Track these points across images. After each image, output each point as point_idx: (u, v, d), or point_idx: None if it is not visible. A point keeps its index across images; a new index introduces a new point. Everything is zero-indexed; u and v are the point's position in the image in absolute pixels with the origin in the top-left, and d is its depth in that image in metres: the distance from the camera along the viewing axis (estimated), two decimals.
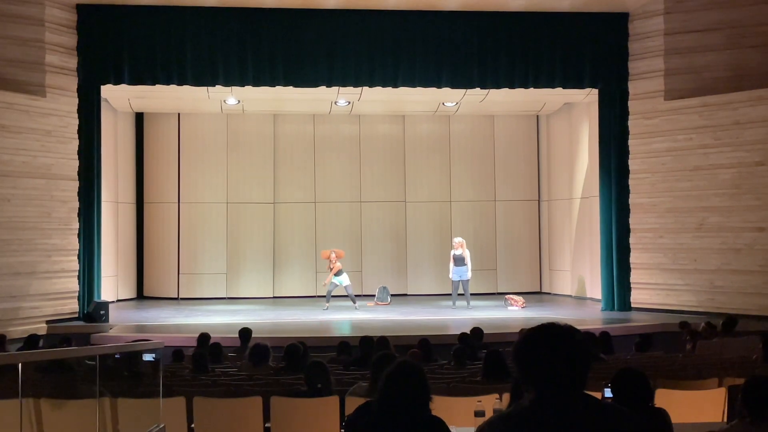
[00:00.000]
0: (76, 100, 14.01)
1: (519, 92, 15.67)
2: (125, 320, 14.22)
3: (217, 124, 18.67)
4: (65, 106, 13.84)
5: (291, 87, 14.83)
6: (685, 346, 10.24)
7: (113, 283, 17.12)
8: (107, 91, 14.99)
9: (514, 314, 14.96)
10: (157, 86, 14.66)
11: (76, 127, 13.97)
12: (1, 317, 12.48)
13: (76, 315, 13.92)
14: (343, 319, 14.55)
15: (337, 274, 15.74)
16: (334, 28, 14.58)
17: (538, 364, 2.26)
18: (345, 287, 15.79)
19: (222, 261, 18.57)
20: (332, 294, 15.90)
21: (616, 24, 15.02)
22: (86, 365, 6.01)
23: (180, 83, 14.45)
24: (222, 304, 17.26)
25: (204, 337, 9.80)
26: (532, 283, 19.35)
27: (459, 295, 15.92)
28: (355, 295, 16.37)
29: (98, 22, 14.09)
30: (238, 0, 14.21)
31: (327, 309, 15.51)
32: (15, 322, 12.66)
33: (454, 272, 15.86)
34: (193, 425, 6.10)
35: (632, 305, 14.89)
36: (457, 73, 14.86)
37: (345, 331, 12.90)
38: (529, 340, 2.32)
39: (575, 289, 17.57)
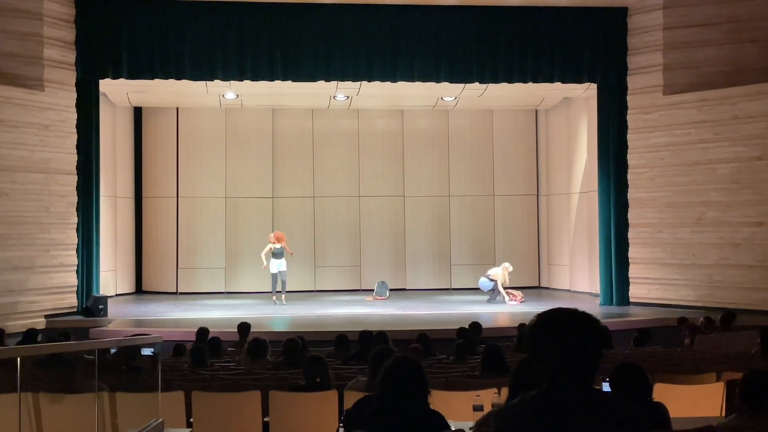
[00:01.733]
0: (75, 95, 13.99)
1: (518, 87, 15.65)
2: (124, 315, 14.23)
3: (216, 119, 18.66)
4: (63, 100, 13.82)
5: (289, 81, 14.80)
6: (683, 341, 10.25)
7: (112, 278, 17.12)
8: (106, 85, 14.99)
9: (513, 309, 14.97)
10: (156, 80, 14.65)
11: (75, 122, 13.96)
12: None
13: (75, 309, 13.91)
14: (343, 314, 14.55)
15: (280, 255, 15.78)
16: (333, 22, 14.55)
17: (551, 349, 2.25)
18: (281, 272, 15.87)
19: (221, 255, 18.58)
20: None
21: (615, 18, 15.01)
22: (85, 359, 6.01)
23: (178, 77, 14.43)
24: (221, 299, 17.27)
25: (203, 332, 9.81)
26: (531, 278, 19.35)
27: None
28: (354, 290, 16.42)
29: (97, 16, 14.06)
30: None
31: (285, 304, 15.62)
32: (13, 316, 12.66)
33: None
34: (191, 419, 6.11)
35: (631, 300, 14.91)
36: (455, 68, 14.84)
37: (346, 326, 12.87)
38: (543, 322, 2.31)
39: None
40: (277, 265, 15.89)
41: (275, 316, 14.44)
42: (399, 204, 19.24)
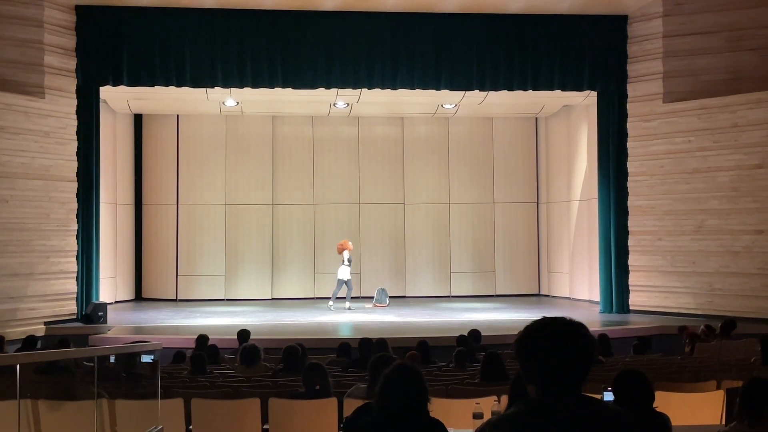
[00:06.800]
0: (75, 102, 14.01)
1: (518, 94, 15.67)
2: (123, 322, 14.21)
3: (216, 126, 18.67)
4: (64, 107, 13.84)
5: (290, 88, 14.82)
6: (683, 349, 10.23)
7: (111, 285, 17.11)
8: (106, 92, 15.00)
9: (513, 316, 14.87)
10: (156, 88, 14.66)
11: (75, 129, 13.97)
12: None
13: (75, 316, 13.90)
14: (342, 321, 14.55)
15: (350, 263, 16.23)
16: (333, 29, 14.58)
17: (540, 358, 2.26)
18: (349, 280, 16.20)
19: (220, 262, 18.56)
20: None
21: (615, 26, 15.03)
22: (84, 366, 6.00)
23: (179, 85, 14.45)
24: (220, 306, 17.25)
25: (202, 339, 9.80)
26: (531, 286, 19.35)
27: None
28: (353, 297, 16.48)
29: (97, 24, 14.09)
30: (236, 1, 14.21)
31: (332, 309, 15.75)
32: (13, 323, 12.65)
33: None
34: (191, 427, 6.10)
35: (630, 308, 14.89)
36: (455, 75, 14.86)
37: (346, 333, 12.89)
38: (531, 332, 2.32)
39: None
40: (348, 273, 16.20)
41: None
42: (399, 211, 19.24)
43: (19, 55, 13.38)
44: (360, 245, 18.92)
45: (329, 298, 16.22)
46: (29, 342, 10.01)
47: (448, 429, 3.65)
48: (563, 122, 18.41)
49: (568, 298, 17.87)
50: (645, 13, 14.75)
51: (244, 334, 10.17)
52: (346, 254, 16.25)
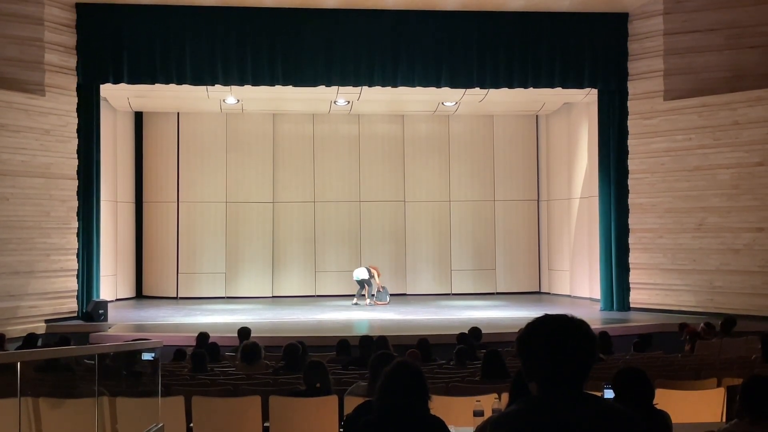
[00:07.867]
0: (76, 99, 14.01)
1: (518, 92, 15.66)
2: (124, 319, 14.21)
3: (217, 124, 18.67)
4: (64, 105, 13.84)
5: (290, 86, 14.82)
6: (684, 347, 10.23)
7: (112, 283, 17.11)
8: (106, 90, 15.00)
9: (513, 314, 14.89)
10: (157, 85, 14.66)
11: (75, 126, 13.97)
12: None
13: (75, 314, 13.91)
14: (342, 319, 14.56)
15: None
16: (334, 27, 14.57)
17: (541, 356, 2.26)
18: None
19: (221, 260, 18.57)
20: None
21: (616, 24, 15.03)
22: (85, 364, 6.00)
23: (179, 82, 14.44)
24: (221, 304, 17.26)
25: (203, 337, 9.80)
26: (531, 283, 19.35)
27: None
28: (354, 295, 16.56)
29: (97, 22, 14.08)
30: None
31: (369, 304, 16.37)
32: (14, 321, 12.66)
33: None
34: (191, 425, 6.10)
35: (631, 305, 14.90)
36: (456, 73, 14.86)
37: (347, 331, 12.89)
38: (533, 330, 2.32)
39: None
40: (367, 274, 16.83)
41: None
42: (399, 209, 19.24)
43: (19, 53, 13.38)
44: (360, 243, 18.95)
45: (330, 296, 16.23)
46: (30, 340, 10.01)
47: (449, 426, 3.65)
48: (564, 120, 18.41)
49: (569, 296, 17.88)
50: (645, 10, 14.75)
51: (244, 331, 10.17)
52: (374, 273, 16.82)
